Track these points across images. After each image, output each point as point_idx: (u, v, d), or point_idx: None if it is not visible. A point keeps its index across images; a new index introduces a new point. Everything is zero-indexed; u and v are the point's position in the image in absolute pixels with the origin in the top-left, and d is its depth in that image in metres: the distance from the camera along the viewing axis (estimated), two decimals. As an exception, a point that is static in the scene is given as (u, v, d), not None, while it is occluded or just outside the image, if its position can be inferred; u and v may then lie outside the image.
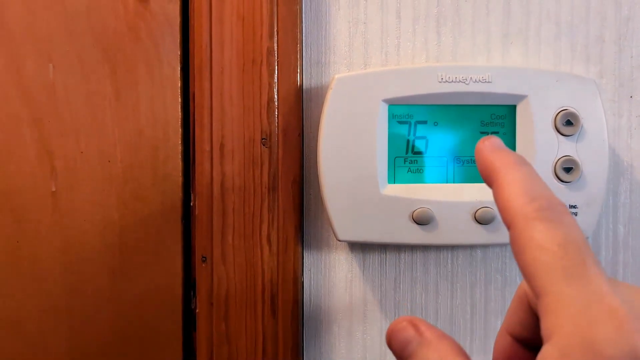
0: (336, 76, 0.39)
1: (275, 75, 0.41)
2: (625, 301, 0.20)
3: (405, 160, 0.41)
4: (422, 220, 0.40)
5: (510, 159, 0.25)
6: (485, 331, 0.45)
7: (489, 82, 0.39)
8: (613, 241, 0.45)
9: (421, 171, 0.41)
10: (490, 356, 0.45)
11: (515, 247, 0.22)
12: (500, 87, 0.40)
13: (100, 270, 0.43)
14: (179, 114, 0.43)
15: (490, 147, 0.26)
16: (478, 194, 0.40)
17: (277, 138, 0.42)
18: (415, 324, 0.25)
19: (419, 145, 0.41)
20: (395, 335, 0.25)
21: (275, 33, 0.41)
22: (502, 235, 0.40)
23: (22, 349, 0.44)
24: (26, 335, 0.44)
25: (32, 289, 0.43)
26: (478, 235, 0.40)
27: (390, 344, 0.25)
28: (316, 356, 0.45)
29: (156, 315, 0.44)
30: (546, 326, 0.20)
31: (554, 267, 0.21)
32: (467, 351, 0.45)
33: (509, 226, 0.23)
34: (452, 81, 0.39)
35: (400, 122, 0.40)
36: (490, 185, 0.25)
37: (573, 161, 0.40)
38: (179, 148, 0.43)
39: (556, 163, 0.40)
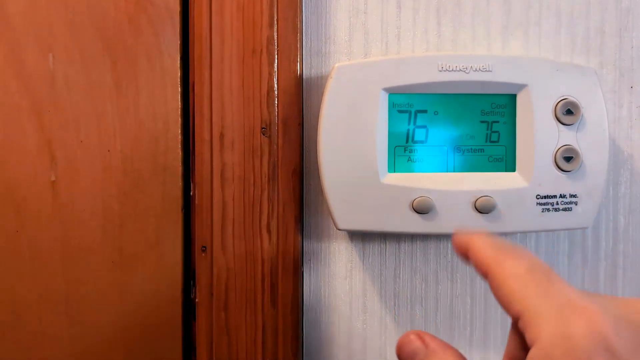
0: (336, 65, 0.39)
1: (275, 65, 0.41)
2: (596, 302, 0.23)
3: (406, 149, 0.41)
4: (422, 209, 0.40)
5: (475, 235, 0.29)
6: (485, 322, 0.45)
7: (489, 71, 0.39)
8: (613, 232, 0.45)
9: (421, 160, 0.41)
10: (490, 347, 0.45)
11: (494, 285, 0.26)
12: (501, 76, 0.40)
13: (100, 260, 0.43)
14: (179, 104, 0.43)
15: (460, 234, 0.31)
16: (478, 183, 0.40)
17: (277, 128, 0.42)
18: (421, 337, 0.28)
19: (419, 134, 0.41)
20: (404, 348, 0.28)
21: (275, 22, 0.41)
22: (502, 224, 0.40)
23: (21, 339, 0.44)
24: (26, 325, 0.43)
25: (31, 279, 0.43)
26: (478, 224, 0.40)
27: (400, 356, 0.28)
28: (316, 346, 0.45)
29: (156, 305, 0.44)
30: (529, 338, 0.23)
31: (527, 289, 0.24)
32: (467, 342, 0.45)
33: (486, 275, 0.27)
34: (453, 70, 0.39)
35: (400, 111, 0.40)
36: (467, 258, 0.29)
37: (573, 150, 0.40)
38: (179, 138, 0.43)
39: (556, 152, 0.40)
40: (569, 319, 0.22)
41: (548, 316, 0.23)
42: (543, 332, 0.23)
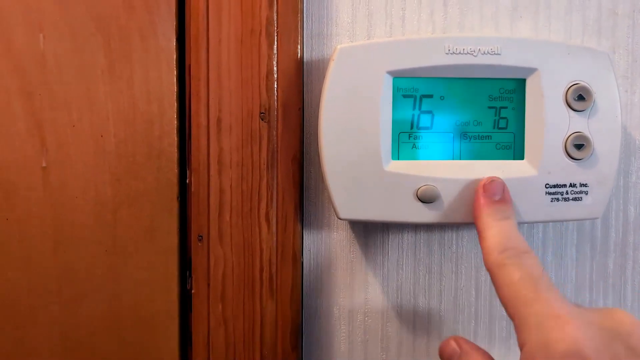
0: (339, 46, 0.38)
1: (275, 47, 0.40)
2: (571, 311, 0.27)
3: (410, 135, 0.39)
4: (426, 198, 0.38)
5: (496, 213, 0.34)
6: (490, 315, 0.44)
7: (497, 54, 0.38)
8: (623, 222, 0.44)
9: (426, 147, 0.39)
10: (495, 340, 0.44)
11: (495, 287, 0.31)
12: (510, 59, 0.38)
13: (92, 249, 0.42)
14: (175, 87, 0.42)
15: (484, 199, 0.35)
16: (485, 171, 0.39)
17: (277, 112, 0.40)
18: (457, 341, 0.33)
19: (425, 120, 0.39)
20: (444, 350, 0.33)
21: (275, 2, 0.39)
22: (509, 214, 0.38)
23: (12, 328, 0.42)
24: (17, 313, 0.42)
25: (22, 267, 0.42)
26: (485, 214, 0.38)
27: (441, 357, 0.33)
28: (316, 339, 0.44)
29: (151, 295, 0.42)
30: (519, 341, 0.28)
31: (517, 296, 0.28)
32: (472, 335, 0.44)
33: (488, 271, 0.31)
34: (460, 53, 0.38)
35: (405, 96, 0.39)
36: (477, 231, 0.34)
37: (584, 137, 0.38)
38: (175, 123, 0.42)
39: (567, 139, 0.38)
40: (547, 328, 0.26)
41: (531, 325, 0.27)
42: (528, 338, 0.27)
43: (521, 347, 0.27)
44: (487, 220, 0.34)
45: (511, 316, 0.29)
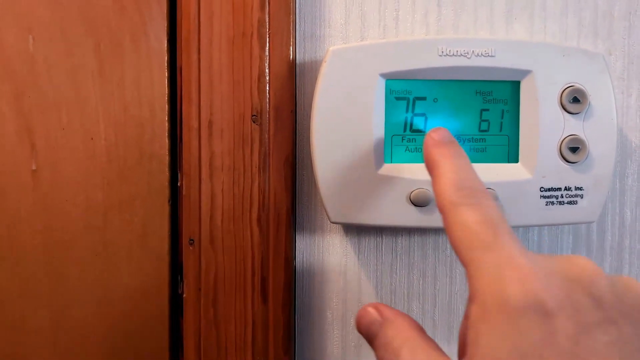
0: (331, 48, 0.37)
1: (267, 48, 0.39)
2: (532, 260, 0.24)
3: (403, 138, 0.39)
4: (420, 202, 0.38)
5: (448, 152, 0.30)
6: (485, 319, 0.43)
7: (492, 56, 0.37)
8: (619, 226, 0.43)
9: (420, 150, 0.39)
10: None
11: (446, 228, 0.27)
12: (504, 61, 0.37)
13: (83, 253, 0.42)
14: (166, 89, 0.41)
15: (433, 141, 0.31)
16: (480, 174, 0.38)
17: (269, 115, 0.40)
18: (377, 308, 0.29)
19: (418, 122, 0.39)
20: (362, 320, 0.29)
21: (267, 3, 0.39)
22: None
23: (1, 332, 0.42)
24: (6, 318, 0.42)
25: (11, 272, 0.41)
26: (479, 217, 0.38)
27: (359, 328, 0.29)
28: (309, 343, 0.43)
29: (142, 299, 0.42)
30: (471, 290, 0.25)
31: (473, 241, 0.25)
32: (466, 339, 0.43)
33: (441, 211, 0.28)
34: (453, 55, 0.37)
35: (398, 98, 0.38)
36: (430, 174, 0.30)
37: (579, 140, 0.38)
38: (166, 125, 0.41)
39: (562, 142, 0.38)
40: (506, 279, 0.23)
41: (487, 273, 0.24)
42: (482, 288, 0.24)
43: (472, 296, 0.24)
44: (440, 158, 0.30)
45: (464, 263, 0.25)
